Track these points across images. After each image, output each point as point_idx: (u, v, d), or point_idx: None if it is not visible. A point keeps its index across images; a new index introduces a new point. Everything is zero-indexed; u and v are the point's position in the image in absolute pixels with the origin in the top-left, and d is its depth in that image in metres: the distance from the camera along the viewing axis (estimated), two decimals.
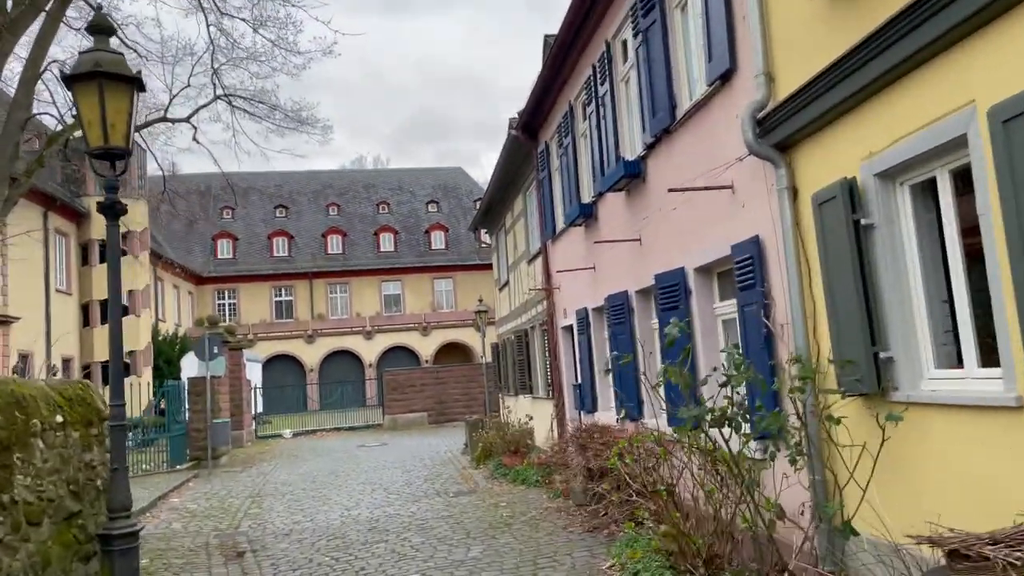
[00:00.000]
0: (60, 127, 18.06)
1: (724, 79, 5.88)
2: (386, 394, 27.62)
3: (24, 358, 24.53)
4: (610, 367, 4.92)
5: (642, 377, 6.43)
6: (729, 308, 6.47)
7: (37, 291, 25.69)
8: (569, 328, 12.04)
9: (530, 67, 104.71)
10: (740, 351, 4.44)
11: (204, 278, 46.10)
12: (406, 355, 47.28)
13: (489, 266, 50.57)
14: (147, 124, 20.33)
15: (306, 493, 13.48)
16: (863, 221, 4.29)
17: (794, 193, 5.03)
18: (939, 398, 3.93)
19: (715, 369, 5.32)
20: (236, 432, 23.57)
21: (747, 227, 5.66)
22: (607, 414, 9.85)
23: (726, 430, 4.37)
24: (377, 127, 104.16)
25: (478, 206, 53.34)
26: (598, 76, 9.07)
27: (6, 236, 20.09)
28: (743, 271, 5.66)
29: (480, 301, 27.63)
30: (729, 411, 4.29)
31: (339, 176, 55.53)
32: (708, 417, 4.31)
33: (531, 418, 13.61)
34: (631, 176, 7.78)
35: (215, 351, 17.47)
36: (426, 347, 48.02)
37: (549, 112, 11.82)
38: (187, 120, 20.78)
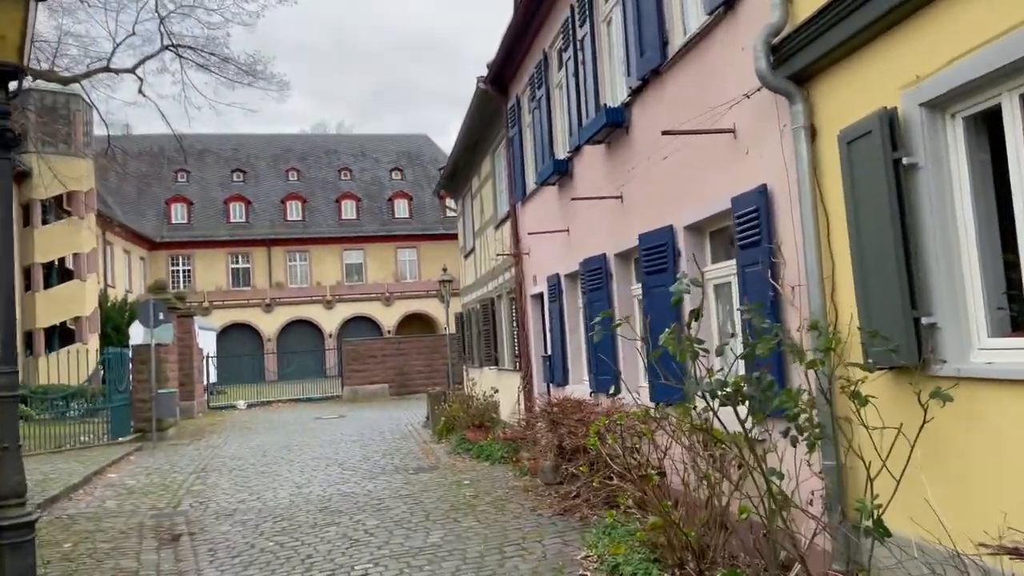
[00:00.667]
0: None
1: (728, 5, 5.10)
2: (345, 365, 26.74)
3: None
4: (594, 333, 4.18)
5: (638, 344, 5.68)
6: (724, 271, 5.77)
7: None
8: (539, 296, 11.31)
9: (499, 34, 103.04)
10: (762, 312, 3.72)
11: (157, 243, 44.39)
12: (368, 326, 46.26)
13: (454, 236, 49.44)
14: (89, 74, 18.99)
15: (255, 469, 12.64)
16: (905, 160, 3.59)
17: (812, 133, 4.31)
18: (996, 372, 3.27)
19: (732, 335, 4.62)
20: (186, 403, 22.52)
21: (751, 176, 4.94)
22: (579, 387, 9.18)
23: (742, 408, 3.66)
24: (342, 94, 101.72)
25: (432, 194, 52.77)
26: (576, 17, 8.24)
27: None
28: (746, 227, 4.95)
29: (444, 270, 26.80)
30: (746, 386, 3.58)
31: (300, 140, 53.86)
32: (720, 392, 3.59)
33: (496, 391, 12.91)
34: (613, 125, 7.00)
35: (160, 317, 16.40)
36: (388, 318, 47.06)
37: (521, 62, 10.96)
38: (132, 71, 19.45)
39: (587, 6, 7.87)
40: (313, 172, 50.81)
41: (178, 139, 23.41)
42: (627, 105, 6.99)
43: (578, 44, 8.25)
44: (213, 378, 30.31)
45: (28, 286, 27.66)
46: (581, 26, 8.05)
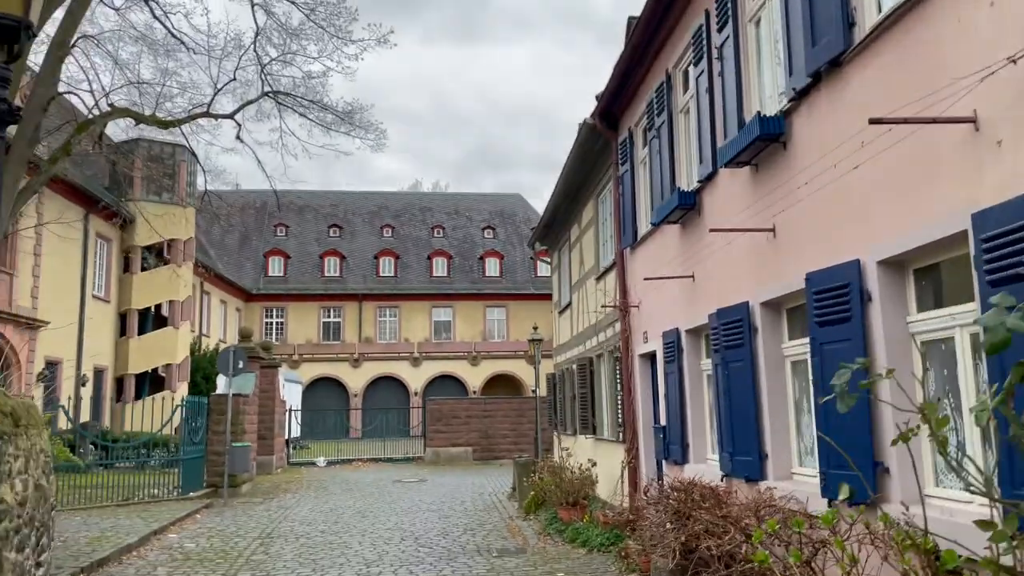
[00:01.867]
0: (95, 112, 16.75)
1: None
2: (429, 425, 25.51)
3: (52, 365, 23.24)
4: (837, 396, 2.72)
5: (907, 419, 4.10)
6: (943, 323, 4.15)
7: (72, 296, 24.49)
8: (650, 356, 9.75)
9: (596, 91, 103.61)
10: None
11: (253, 295, 45.04)
12: (454, 385, 45.24)
13: (544, 296, 48.48)
14: (191, 117, 18.98)
15: (324, 538, 11.36)
16: None
17: None
18: None
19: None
20: (265, 457, 21.72)
21: (1009, 180, 3.40)
22: (702, 468, 7.52)
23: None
24: (439, 156, 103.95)
25: (527, 246, 51.99)
26: (713, 23, 6.94)
27: (17, 227, 18.82)
28: (1003, 252, 3.38)
29: (535, 329, 25.47)
30: None
31: (395, 198, 54.37)
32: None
33: (593, 464, 11.28)
34: (767, 139, 5.57)
35: (240, 365, 15.63)
36: (475, 377, 45.92)
37: (636, 90, 9.70)
38: (231, 116, 19.37)
39: (729, 7, 6.54)
40: (407, 229, 51.00)
41: (276, 193, 23.23)
42: (786, 113, 5.55)
43: (714, 54, 6.92)
44: (296, 432, 29.67)
45: (123, 331, 27.92)
46: (720, 30, 6.72)
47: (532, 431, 25.37)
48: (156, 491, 15.29)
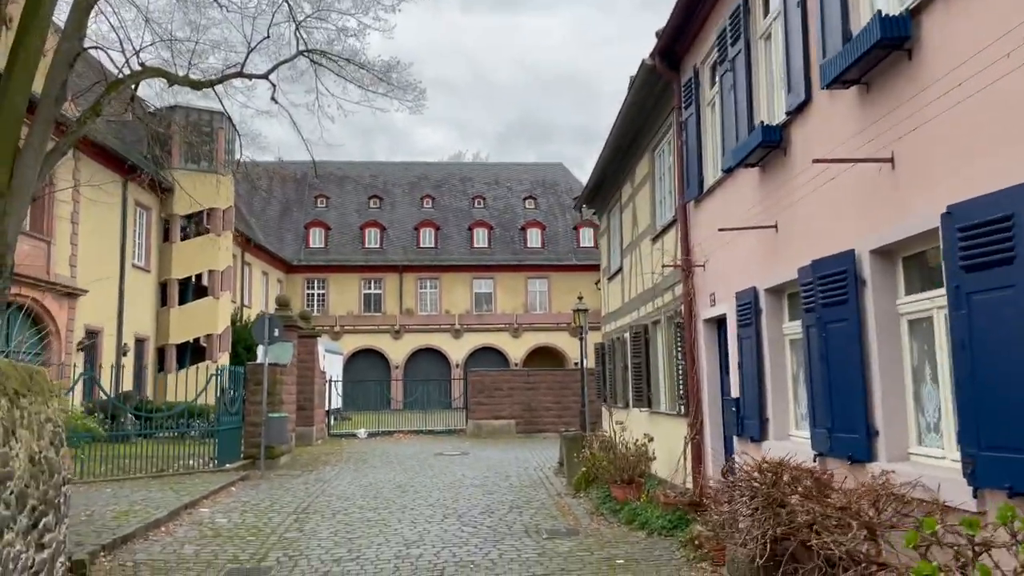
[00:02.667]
0: (126, 71, 16.16)
1: None
2: (471, 397, 24.84)
3: (92, 334, 23.07)
4: None
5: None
6: None
7: (111, 265, 24.24)
8: (717, 320, 8.77)
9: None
10: None
11: (294, 266, 44.85)
12: (495, 357, 44.62)
13: (587, 267, 47.41)
14: (223, 78, 18.26)
15: (362, 514, 10.69)
16: None
17: None
18: None
19: None
20: (304, 428, 21.29)
21: None
22: (785, 445, 6.57)
23: None
24: (479, 127, 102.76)
25: (573, 208, 50.78)
26: None
27: (51, 190, 18.42)
28: None
29: (580, 299, 24.55)
30: None
31: (435, 168, 53.56)
32: None
33: (650, 439, 10.37)
34: (887, 47, 4.52)
35: (276, 334, 15.02)
36: (516, 349, 45.23)
37: (704, 21, 8.61)
38: (265, 76, 18.62)
39: None
40: (447, 200, 50.26)
41: (314, 164, 22.49)
42: (913, 12, 4.49)
43: None
44: (337, 403, 29.30)
45: (164, 301, 27.72)
46: None
47: (577, 404, 24.55)
48: (192, 462, 14.85)
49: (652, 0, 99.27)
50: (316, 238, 46.58)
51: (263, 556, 8.29)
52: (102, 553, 8.03)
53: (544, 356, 44.45)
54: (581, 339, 24.75)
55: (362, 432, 24.89)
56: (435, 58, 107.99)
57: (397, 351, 44.78)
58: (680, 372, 9.57)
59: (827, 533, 4.13)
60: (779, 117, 6.58)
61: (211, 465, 14.68)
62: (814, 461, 5.74)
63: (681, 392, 9.63)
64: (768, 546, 4.97)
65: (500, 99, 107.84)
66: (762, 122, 6.62)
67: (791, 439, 6.78)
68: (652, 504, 9.42)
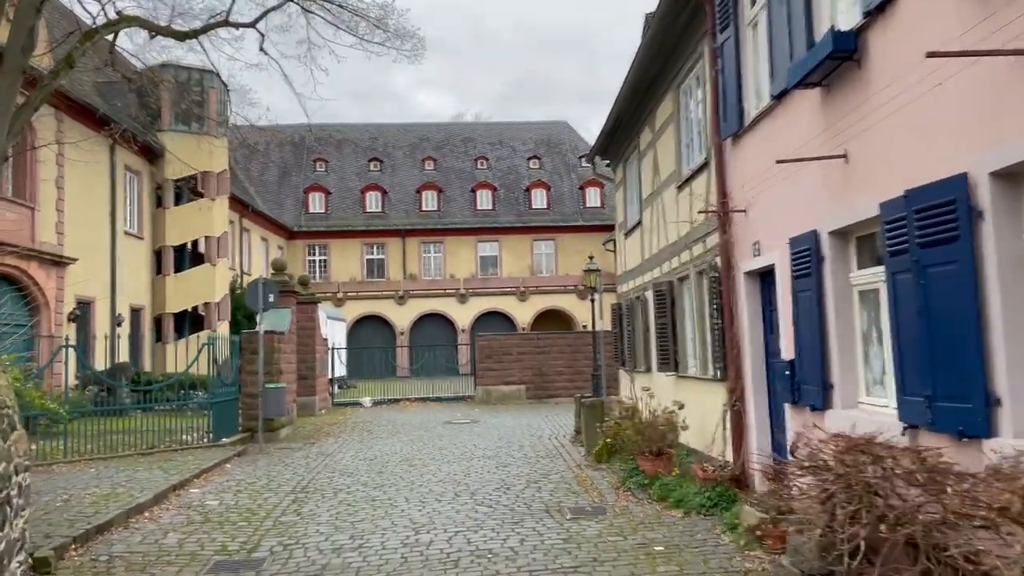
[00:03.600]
0: (101, 21, 14.96)
1: None
2: (479, 362, 23.94)
3: (84, 305, 22.14)
4: None
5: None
6: None
7: (101, 232, 23.23)
8: (761, 272, 7.74)
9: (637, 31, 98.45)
10: None
11: (295, 232, 43.80)
12: (502, 321, 43.70)
13: (594, 228, 46.20)
14: (207, 28, 17.02)
15: (366, 492, 9.81)
16: None
17: None
18: None
19: None
20: (307, 398, 20.44)
21: None
22: (855, 416, 5.58)
23: None
24: (480, 88, 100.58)
25: (585, 162, 49.23)
26: None
27: (33, 145, 17.32)
28: None
29: (591, 259, 23.52)
30: None
31: (436, 129, 52.09)
32: None
33: (680, 406, 9.41)
34: None
35: (270, 299, 14.03)
36: (523, 313, 44.30)
37: None
38: (252, 25, 17.40)
39: None
40: (449, 161, 48.95)
41: (310, 128, 21.33)
42: None
43: None
44: (341, 371, 28.46)
45: (159, 269, 26.74)
46: None
47: (589, 368, 23.65)
48: (187, 437, 13.98)
49: None
50: (316, 203, 45.43)
51: (255, 545, 7.41)
52: (73, 546, 7.14)
53: (552, 319, 43.52)
54: (593, 301, 23.77)
55: (367, 401, 24.07)
56: (433, 17, 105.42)
57: (402, 317, 43.90)
58: (716, 332, 8.56)
59: (955, 534, 3.14)
60: (856, 18, 5.45)
61: (206, 440, 13.81)
62: (902, 434, 4.75)
63: (716, 354, 8.63)
64: (860, 543, 4.00)
65: (501, 59, 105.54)
66: (832, 27, 5.49)
67: (861, 408, 5.79)
68: (686, 479, 8.50)
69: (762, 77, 7.37)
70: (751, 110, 7.64)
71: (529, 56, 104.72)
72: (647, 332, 12.59)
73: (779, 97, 6.66)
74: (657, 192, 11.89)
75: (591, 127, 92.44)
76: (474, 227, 44.98)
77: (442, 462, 12.16)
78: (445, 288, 44.29)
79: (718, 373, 8.57)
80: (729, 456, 8.31)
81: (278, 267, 17.71)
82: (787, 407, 6.89)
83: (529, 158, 49.07)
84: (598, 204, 46.18)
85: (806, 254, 6.20)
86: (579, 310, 43.95)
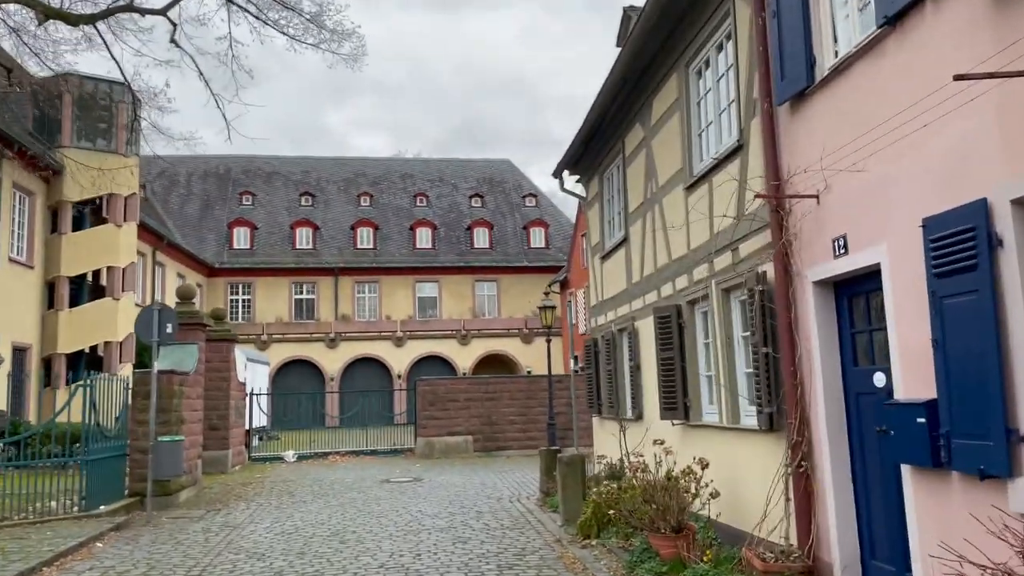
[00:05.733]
0: None
1: None
2: (421, 410, 21.27)
3: None
4: None
5: None
6: None
7: None
8: (845, 281, 5.59)
9: (585, 78, 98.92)
10: None
11: (216, 269, 40.38)
12: (441, 366, 40.97)
13: (538, 270, 44.16)
14: (109, 12, 14.51)
15: None
16: None
17: None
18: None
19: None
20: (218, 452, 17.40)
21: None
22: None
23: None
24: (420, 131, 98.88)
25: (529, 201, 47.50)
26: None
27: None
28: None
29: (547, 294, 21.45)
30: None
31: (373, 164, 49.70)
32: None
33: (705, 464, 7.11)
34: None
35: (168, 329, 11.25)
36: (465, 358, 41.71)
37: None
38: (162, 13, 14.93)
39: None
40: (387, 197, 46.55)
41: (222, 112, 18.74)
42: None
43: None
44: (262, 421, 25.25)
45: (51, 303, 23.28)
46: None
47: (543, 416, 21.26)
48: (53, 504, 10.93)
49: (598, 2, 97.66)
50: (241, 238, 42.19)
51: None
52: None
53: (495, 364, 41.03)
54: (548, 340, 21.53)
55: (290, 455, 21.02)
56: (370, 57, 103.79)
57: (332, 361, 40.72)
58: (763, 366, 6.35)
59: None
60: None
61: (76, 509, 10.77)
62: None
63: (762, 396, 6.41)
64: None
65: (442, 103, 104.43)
66: None
67: None
68: (725, 568, 6.17)
69: (850, 5, 5.34)
70: (825, 58, 5.59)
71: (470, 101, 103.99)
72: (636, 372, 10.35)
73: (891, 21, 4.60)
74: (652, 200, 9.78)
75: (535, 168, 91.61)
76: (412, 266, 42.48)
77: (383, 537, 9.52)
78: (380, 331, 41.43)
79: (767, 421, 6.33)
80: (784, 535, 6.03)
81: (185, 295, 14.88)
82: (909, 472, 4.68)
83: (471, 196, 47.11)
84: (543, 244, 44.38)
85: (964, 239, 4.07)
86: (524, 355, 41.64)
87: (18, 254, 21.93)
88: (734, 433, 7.29)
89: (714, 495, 6.96)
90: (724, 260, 7.45)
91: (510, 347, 42.08)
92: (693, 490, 7.02)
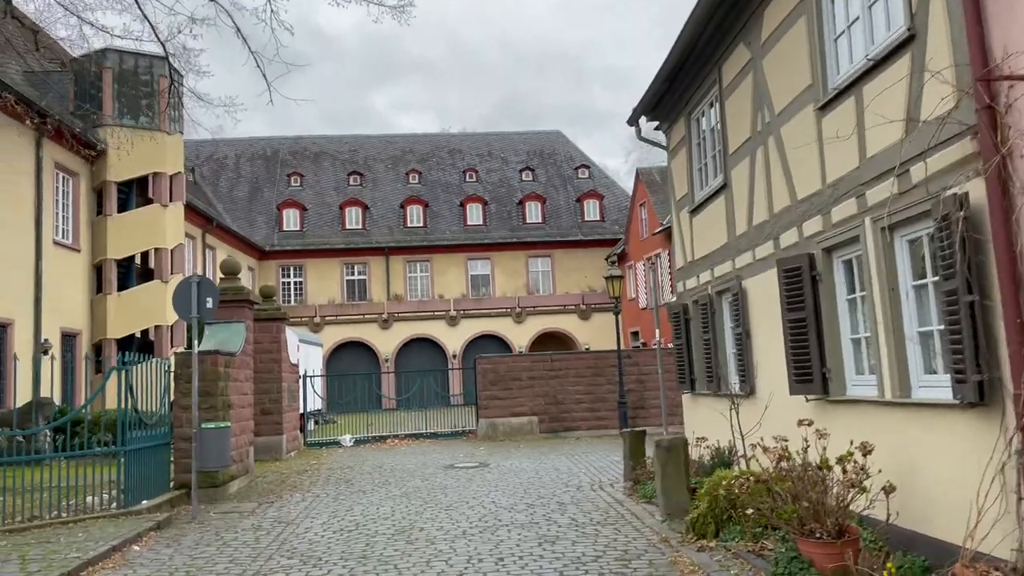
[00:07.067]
0: None
1: None
2: (481, 390, 19.98)
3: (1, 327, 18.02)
4: None
5: None
6: None
7: (22, 242, 19.17)
8: None
9: (630, 48, 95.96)
10: None
11: (267, 252, 39.77)
12: (496, 344, 39.77)
13: (594, 243, 42.43)
14: None
15: None
16: None
17: None
18: None
19: None
20: (271, 438, 16.38)
21: None
22: None
23: None
24: (463, 111, 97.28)
25: (581, 172, 45.73)
26: None
27: None
28: None
29: (613, 262, 19.90)
30: None
31: (420, 141, 48.46)
32: None
33: (868, 451, 5.54)
34: None
35: (207, 304, 10.07)
36: (520, 336, 40.39)
37: None
38: None
39: None
40: (436, 174, 45.32)
41: (262, 71, 17.47)
42: None
43: None
44: (318, 404, 24.34)
45: (99, 287, 22.62)
46: None
47: (612, 394, 19.81)
48: (91, 499, 9.89)
49: None
50: (291, 220, 41.49)
51: None
52: None
53: (551, 342, 39.62)
54: (617, 313, 19.99)
55: (347, 439, 19.97)
56: (409, 37, 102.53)
57: (386, 342, 39.84)
58: (970, 318, 4.75)
59: None
60: None
61: (115, 505, 9.71)
62: None
63: (962, 359, 4.81)
64: None
65: (483, 80, 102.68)
66: None
67: None
68: None
69: None
70: None
71: (514, 78, 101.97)
72: (745, 339, 8.77)
73: None
74: (763, 134, 8.16)
75: (584, 141, 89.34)
76: (464, 243, 41.20)
77: (455, 536, 8.19)
78: (433, 310, 40.34)
79: (973, 393, 4.74)
80: (1014, 546, 4.45)
81: (229, 270, 13.74)
82: None
83: (521, 170, 45.56)
84: (597, 217, 42.63)
85: None
86: (582, 331, 40.14)
87: (63, 237, 21.25)
88: (904, 410, 5.70)
89: (888, 490, 5.39)
90: (883, 190, 5.83)
91: (567, 324, 40.60)
92: (858, 484, 5.46)
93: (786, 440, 6.00)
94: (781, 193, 7.76)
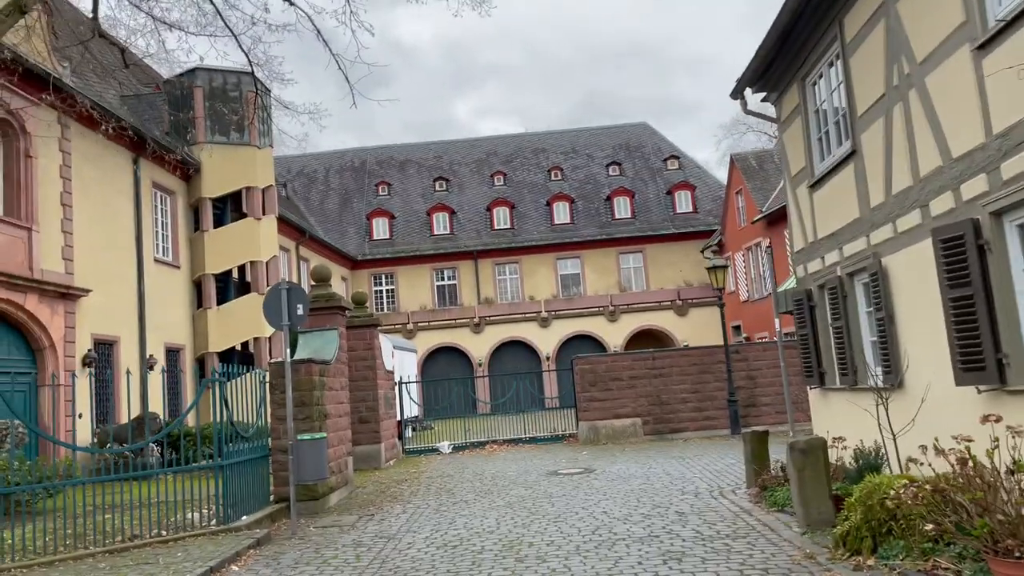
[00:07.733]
0: None
1: None
2: (580, 391, 19.20)
3: (104, 345, 18.49)
4: None
5: None
6: None
7: (125, 259, 19.67)
8: None
9: (711, 35, 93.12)
10: None
11: (359, 261, 40.23)
12: (590, 345, 38.81)
13: (686, 236, 40.93)
14: None
15: None
16: None
17: None
18: None
19: None
20: (370, 447, 16.10)
21: None
22: None
23: None
24: (543, 112, 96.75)
25: (671, 164, 44.26)
26: None
27: (28, 152, 13.63)
28: None
29: (715, 251, 18.78)
30: None
31: (503, 142, 48.09)
32: None
33: None
34: None
35: (299, 311, 9.72)
36: (614, 335, 39.32)
37: None
38: None
39: None
40: (520, 174, 44.84)
41: (344, 73, 17.21)
42: None
43: None
44: (415, 411, 24.13)
45: (199, 302, 23.08)
46: None
47: (720, 392, 18.67)
48: (192, 515, 9.68)
49: None
50: (380, 229, 41.83)
51: None
52: None
53: (648, 340, 38.35)
54: (722, 305, 18.85)
55: (446, 446, 19.57)
56: (484, 44, 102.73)
57: (479, 346, 39.53)
58: None
59: None
60: None
61: (215, 522, 9.46)
62: None
63: None
64: None
65: (561, 80, 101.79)
66: None
67: None
68: None
69: None
70: None
71: (593, 76, 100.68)
72: (889, 324, 7.68)
73: None
74: (901, 88, 7.09)
75: (670, 133, 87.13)
76: (552, 243, 40.49)
77: (568, 552, 7.46)
78: (524, 312, 39.78)
79: None
80: None
81: (319, 277, 13.48)
82: None
83: (608, 165, 44.51)
84: (690, 209, 41.11)
85: None
86: (680, 328, 38.74)
87: (163, 254, 21.76)
88: None
89: None
90: None
91: (663, 321, 39.27)
92: None
93: (970, 440, 4.99)
94: (930, 153, 6.68)
